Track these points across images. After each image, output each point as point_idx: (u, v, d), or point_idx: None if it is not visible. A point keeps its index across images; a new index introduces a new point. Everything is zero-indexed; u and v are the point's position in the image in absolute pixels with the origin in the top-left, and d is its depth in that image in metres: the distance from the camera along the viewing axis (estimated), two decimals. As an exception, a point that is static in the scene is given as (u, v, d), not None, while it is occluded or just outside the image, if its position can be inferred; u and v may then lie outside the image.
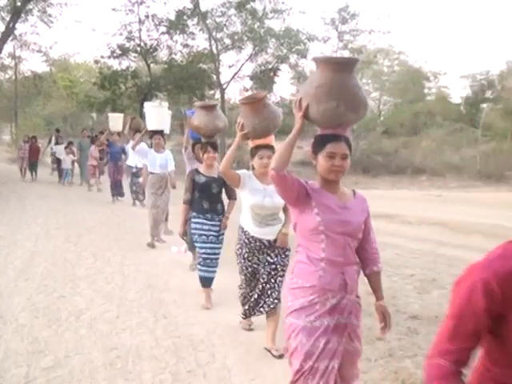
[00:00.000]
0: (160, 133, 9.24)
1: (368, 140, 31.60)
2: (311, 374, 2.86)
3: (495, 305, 1.60)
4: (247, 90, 32.59)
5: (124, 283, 6.81)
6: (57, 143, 21.46)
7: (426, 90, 42.46)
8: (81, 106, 34.16)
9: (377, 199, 18.23)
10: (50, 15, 29.10)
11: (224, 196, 6.12)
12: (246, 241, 4.66)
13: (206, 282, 5.91)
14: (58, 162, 20.83)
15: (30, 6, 27.80)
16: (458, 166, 26.57)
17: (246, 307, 4.82)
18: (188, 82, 28.96)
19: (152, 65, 31.56)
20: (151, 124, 9.28)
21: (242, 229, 4.72)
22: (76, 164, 19.88)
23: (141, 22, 29.64)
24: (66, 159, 19.57)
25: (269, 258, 4.63)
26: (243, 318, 5.00)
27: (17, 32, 29.37)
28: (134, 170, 13.17)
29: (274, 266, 4.62)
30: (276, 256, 4.63)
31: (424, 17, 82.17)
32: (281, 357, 4.42)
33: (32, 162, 20.96)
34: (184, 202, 5.98)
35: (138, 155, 10.30)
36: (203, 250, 5.85)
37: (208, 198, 5.90)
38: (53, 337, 4.92)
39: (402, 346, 4.82)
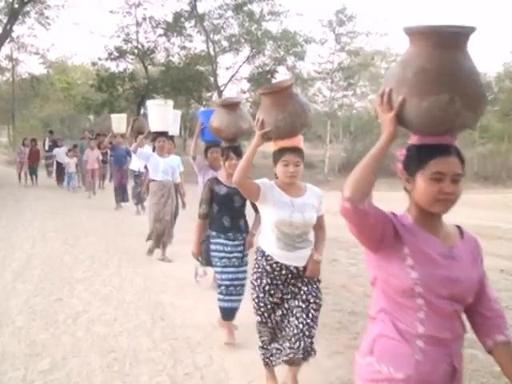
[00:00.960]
0: (164, 134, 8.34)
1: (365, 142, 31.68)
2: None
3: None
4: (244, 92, 32.67)
5: (121, 285, 6.79)
6: (56, 146, 21.07)
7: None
8: (78, 108, 34.16)
9: (375, 201, 18.26)
10: (47, 17, 29.18)
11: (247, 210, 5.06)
12: (269, 268, 3.70)
13: (229, 314, 4.93)
14: (57, 165, 20.31)
15: (28, 8, 27.86)
16: (455, 167, 26.65)
17: (269, 355, 3.85)
18: (185, 84, 29.01)
19: (149, 67, 31.64)
20: (154, 125, 8.37)
21: (263, 253, 3.76)
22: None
23: (138, 24, 29.75)
24: (70, 163, 18.59)
25: (296, 289, 3.73)
26: (266, 364, 3.93)
27: (14, 34, 29.44)
28: (137, 173, 12.69)
29: (305, 297, 3.69)
30: (306, 285, 3.72)
31: (421, 19, 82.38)
32: None
33: (32, 166, 20.41)
34: (200, 217, 5.01)
35: (140, 159, 9.70)
36: (225, 276, 4.85)
37: (229, 213, 4.92)
38: (50, 339, 4.90)
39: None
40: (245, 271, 4.92)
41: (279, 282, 3.70)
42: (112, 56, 30.21)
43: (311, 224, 3.72)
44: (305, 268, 3.70)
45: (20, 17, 27.46)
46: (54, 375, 4.17)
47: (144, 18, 29.48)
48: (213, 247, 4.95)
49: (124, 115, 14.96)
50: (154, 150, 8.70)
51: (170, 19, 29.26)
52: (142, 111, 22.60)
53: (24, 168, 20.41)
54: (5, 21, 26.34)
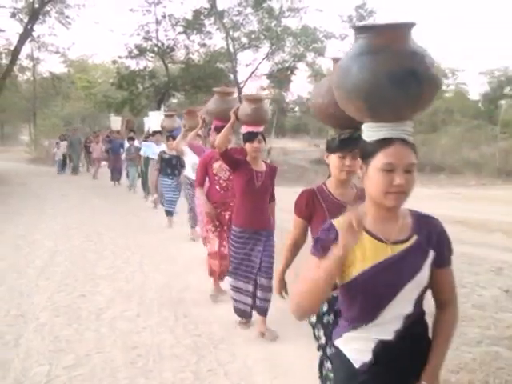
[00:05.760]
0: (159, 132, 12.71)
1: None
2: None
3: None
4: (264, 89, 32.63)
5: (144, 282, 6.82)
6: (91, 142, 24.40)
7: (444, 87, 42.14)
8: (99, 106, 34.32)
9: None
10: (67, 16, 29.38)
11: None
12: (188, 182, 8.50)
13: (170, 214, 10.48)
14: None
15: (48, 8, 28.06)
16: (477, 163, 26.27)
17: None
18: (205, 81, 29.03)
19: (169, 64, 31.69)
20: (153, 126, 13.16)
21: (187, 176, 8.58)
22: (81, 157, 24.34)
23: (158, 22, 29.81)
24: (57, 153, 23.86)
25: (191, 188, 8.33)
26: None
27: (35, 33, 29.64)
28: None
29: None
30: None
31: (441, 13, 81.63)
32: (273, 340, 4.76)
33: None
34: (156, 169, 10.70)
35: (145, 147, 14.10)
36: (166, 197, 10.42)
37: (169, 167, 10.24)
38: (73, 335, 4.94)
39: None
40: (178, 194, 10.36)
41: (192, 187, 7.92)
42: (132, 54, 30.31)
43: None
44: None
45: (40, 16, 27.64)
46: (78, 371, 4.20)
47: (164, 16, 29.55)
48: (160, 182, 10.54)
49: (120, 117, 21.07)
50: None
51: (189, 17, 29.32)
52: (161, 108, 22.73)
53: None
54: (25, 20, 26.56)
